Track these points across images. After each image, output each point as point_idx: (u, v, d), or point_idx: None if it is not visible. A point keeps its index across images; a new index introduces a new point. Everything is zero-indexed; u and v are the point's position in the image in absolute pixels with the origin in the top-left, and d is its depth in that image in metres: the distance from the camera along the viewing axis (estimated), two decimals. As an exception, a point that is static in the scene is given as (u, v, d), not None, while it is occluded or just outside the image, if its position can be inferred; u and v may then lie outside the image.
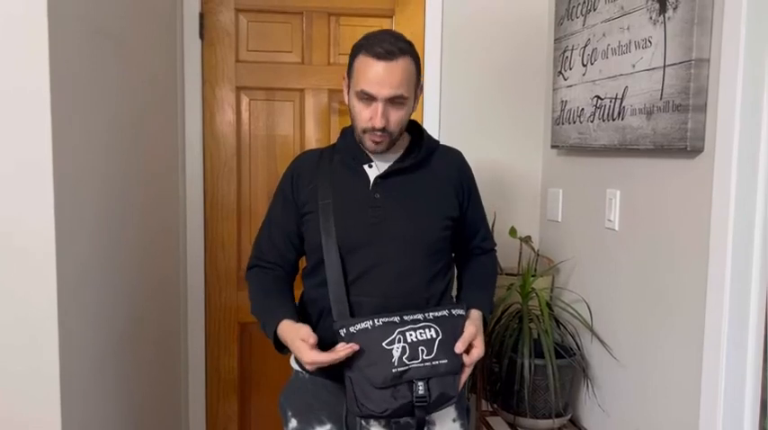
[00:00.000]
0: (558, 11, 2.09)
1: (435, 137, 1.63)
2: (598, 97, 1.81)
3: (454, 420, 1.47)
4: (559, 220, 2.17)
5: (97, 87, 1.45)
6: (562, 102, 2.04)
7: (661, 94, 1.51)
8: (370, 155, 1.44)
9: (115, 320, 1.57)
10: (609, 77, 1.75)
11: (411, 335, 1.29)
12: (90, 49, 1.40)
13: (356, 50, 1.37)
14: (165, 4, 2.03)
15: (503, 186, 2.32)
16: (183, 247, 2.23)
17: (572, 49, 1.98)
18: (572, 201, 2.09)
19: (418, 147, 1.47)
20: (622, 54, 1.68)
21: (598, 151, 1.88)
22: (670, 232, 1.55)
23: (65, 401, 1.27)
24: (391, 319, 1.30)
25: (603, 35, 1.78)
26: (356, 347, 1.26)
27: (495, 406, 1.97)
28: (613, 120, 1.72)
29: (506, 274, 2.08)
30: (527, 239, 2.18)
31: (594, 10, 1.84)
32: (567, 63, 2.01)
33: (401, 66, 1.33)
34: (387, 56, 1.31)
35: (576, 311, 1.94)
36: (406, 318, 1.31)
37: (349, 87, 1.41)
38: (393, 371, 1.27)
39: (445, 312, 1.35)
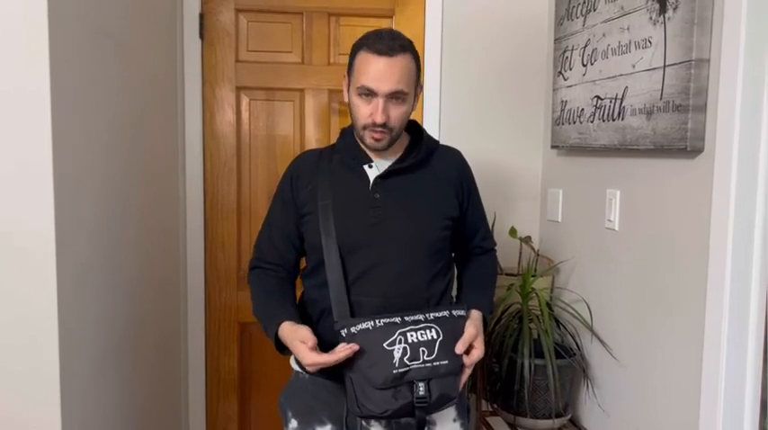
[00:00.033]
0: (558, 11, 2.08)
1: (435, 137, 1.63)
2: (598, 97, 1.81)
3: (454, 420, 1.47)
4: (559, 220, 2.16)
5: (97, 87, 1.45)
6: (562, 102, 2.04)
7: (661, 95, 1.51)
8: (369, 155, 1.44)
9: (115, 320, 1.57)
10: (609, 77, 1.75)
11: (412, 335, 1.29)
12: (90, 49, 1.40)
13: (356, 48, 1.38)
14: (165, 4, 2.03)
15: (503, 186, 2.32)
16: (183, 247, 2.23)
17: (572, 50, 1.98)
18: (572, 201, 2.09)
19: (418, 147, 1.47)
20: (622, 54, 1.68)
21: (598, 151, 1.88)
22: (670, 232, 1.55)
23: (65, 401, 1.27)
24: (392, 320, 1.30)
25: (603, 35, 1.78)
26: (355, 348, 1.26)
27: (495, 406, 1.97)
28: (613, 120, 1.72)
29: (506, 274, 2.08)
30: (527, 239, 2.18)
31: (594, 10, 1.84)
32: (567, 63, 2.01)
33: (401, 62, 1.33)
34: (387, 52, 1.32)
35: (576, 311, 1.94)
36: (407, 318, 1.31)
37: (349, 85, 1.41)
38: (394, 371, 1.27)
39: (446, 313, 1.35)
